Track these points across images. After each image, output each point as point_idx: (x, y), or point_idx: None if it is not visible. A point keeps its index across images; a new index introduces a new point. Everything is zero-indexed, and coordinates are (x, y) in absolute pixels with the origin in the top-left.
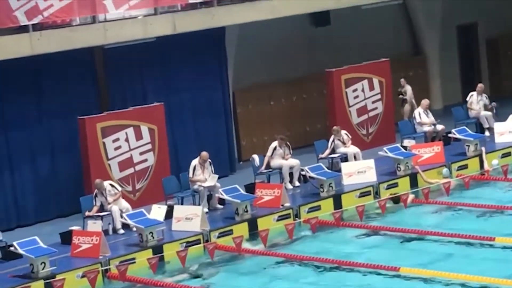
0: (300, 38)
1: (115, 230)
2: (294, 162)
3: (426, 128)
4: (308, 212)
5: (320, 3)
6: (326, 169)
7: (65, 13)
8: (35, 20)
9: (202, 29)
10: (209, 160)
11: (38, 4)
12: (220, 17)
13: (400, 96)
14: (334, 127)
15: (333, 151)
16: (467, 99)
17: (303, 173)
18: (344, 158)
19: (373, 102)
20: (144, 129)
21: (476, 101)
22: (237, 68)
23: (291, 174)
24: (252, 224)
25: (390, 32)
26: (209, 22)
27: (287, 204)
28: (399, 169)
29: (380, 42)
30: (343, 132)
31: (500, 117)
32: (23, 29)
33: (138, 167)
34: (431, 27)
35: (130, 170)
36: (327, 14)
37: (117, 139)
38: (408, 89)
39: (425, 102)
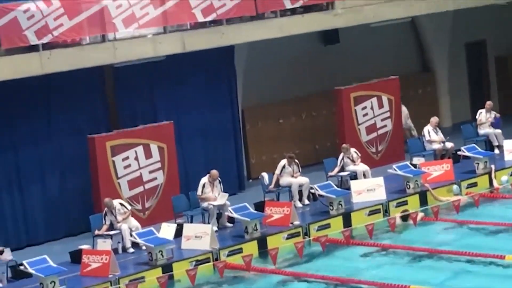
0: (309, 56)
1: (124, 249)
2: (303, 180)
3: (435, 146)
4: (318, 230)
5: (329, 21)
6: (336, 187)
7: (74, 32)
8: (45, 40)
9: (212, 47)
10: (219, 178)
11: (48, 23)
12: (229, 36)
13: None
14: (343, 145)
15: (342, 169)
16: (476, 116)
17: (312, 191)
18: (354, 176)
19: (382, 120)
20: (154, 148)
21: (485, 119)
22: (246, 86)
23: (300, 192)
24: (262, 243)
25: (399, 49)
26: (218, 40)
27: (297, 222)
28: (408, 187)
29: (389, 59)
30: (353, 150)
31: (508, 135)
32: (33, 48)
33: (147, 186)
34: (439, 44)
35: (140, 189)
36: (336, 32)
37: (127, 158)
38: (404, 110)
39: (434, 119)
